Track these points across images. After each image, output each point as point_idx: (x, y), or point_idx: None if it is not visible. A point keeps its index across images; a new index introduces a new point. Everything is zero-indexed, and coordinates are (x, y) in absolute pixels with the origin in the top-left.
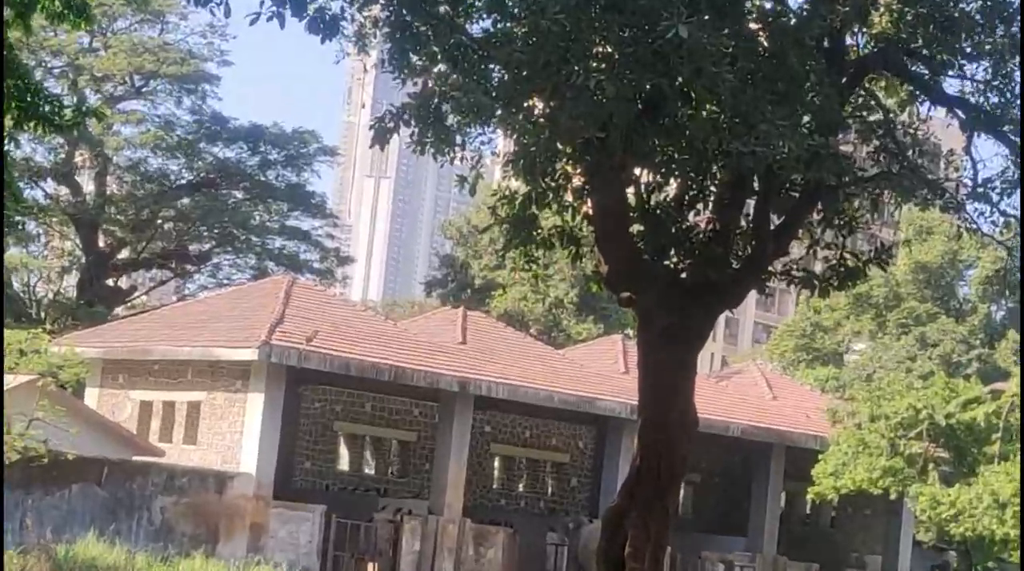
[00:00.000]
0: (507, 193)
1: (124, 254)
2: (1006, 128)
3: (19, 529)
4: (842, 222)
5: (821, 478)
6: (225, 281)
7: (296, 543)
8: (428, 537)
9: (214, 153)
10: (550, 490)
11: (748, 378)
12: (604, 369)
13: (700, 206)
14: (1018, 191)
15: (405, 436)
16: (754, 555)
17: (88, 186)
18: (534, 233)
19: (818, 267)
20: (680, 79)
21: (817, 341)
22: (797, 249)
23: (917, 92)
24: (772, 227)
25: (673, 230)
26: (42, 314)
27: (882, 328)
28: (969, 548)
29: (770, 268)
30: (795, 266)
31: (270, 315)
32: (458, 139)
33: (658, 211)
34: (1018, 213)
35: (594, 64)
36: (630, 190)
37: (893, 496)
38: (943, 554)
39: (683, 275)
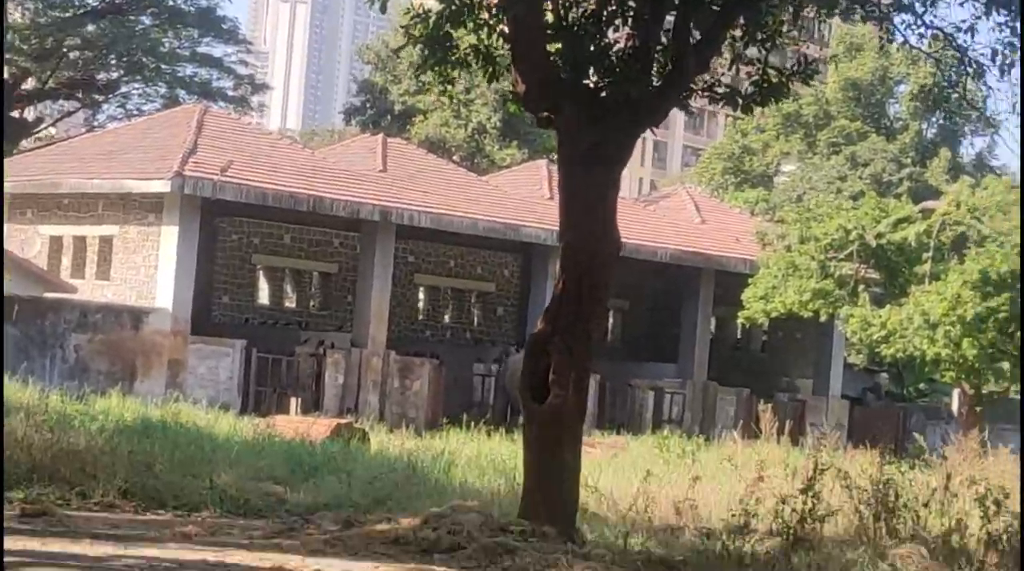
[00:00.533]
0: (421, 11)
1: (29, 85)
2: None
3: None
4: (765, 36)
5: (751, 302)
6: (135, 111)
7: (216, 379)
8: (352, 370)
9: None
10: (476, 320)
11: (677, 202)
12: (529, 195)
13: (619, 22)
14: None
15: (326, 268)
16: (684, 381)
17: None
18: (449, 53)
19: (744, 85)
20: None
21: (746, 163)
22: (720, 66)
23: None
24: (693, 42)
25: (592, 47)
26: None
27: (812, 148)
28: (900, 369)
29: (692, 85)
30: (718, 83)
31: (182, 145)
32: None
33: (576, 27)
34: (944, 26)
35: None
36: (547, 5)
37: (823, 319)
38: (875, 376)
39: (603, 93)
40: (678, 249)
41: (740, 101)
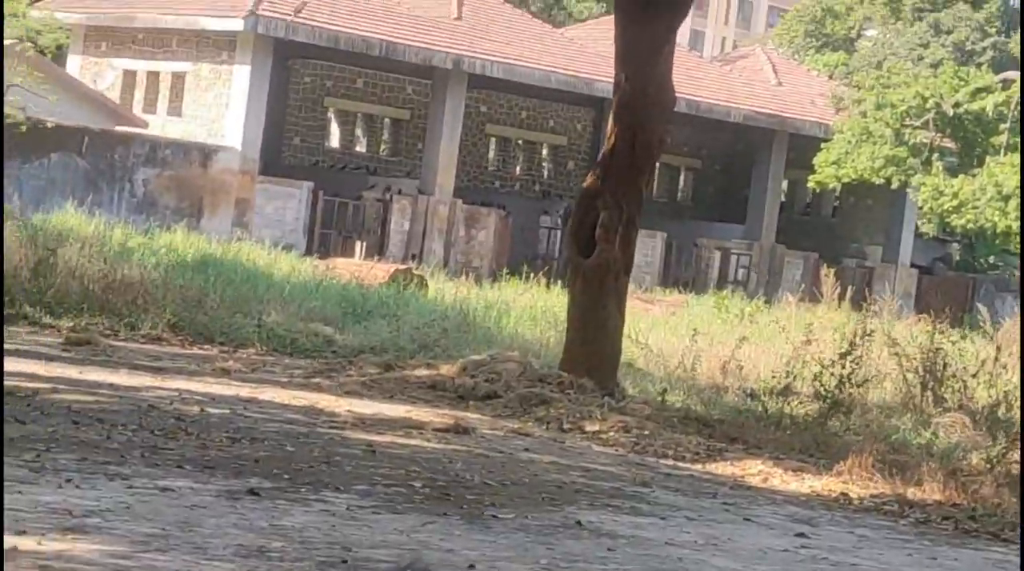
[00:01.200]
0: None
1: None
2: None
3: None
4: None
5: (823, 166)
6: None
7: (282, 219)
8: (418, 217)
9: None
10: (546, 173)
11: (754, 62)
12: (604, 50)
13: None
14: None
15: (398, 114)
16: (751, 243)
17: None
18: None
19: None
20: None
21: (828, 26)
22: None
23: None
24: None
25: None
26: None
27: (896, 14)
28: (973, 240)
29: None
30: None
31: None
32: None
33: None
34: None
35: None
36: None
37: (895, 186)
38: (946, 246)
39: None
40: (752, 110)
41: None
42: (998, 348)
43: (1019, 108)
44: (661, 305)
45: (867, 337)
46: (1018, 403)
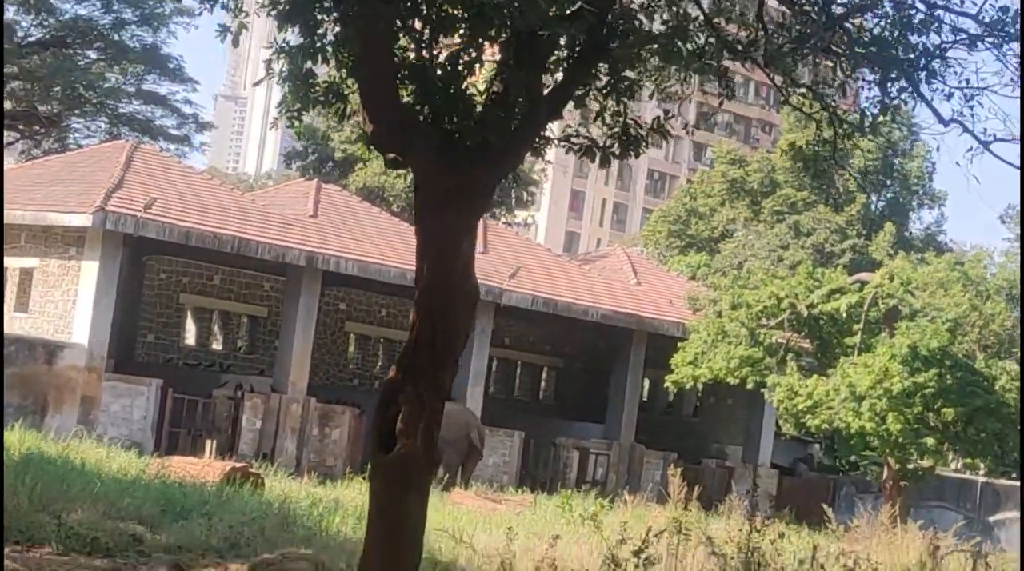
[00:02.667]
0: (283, 45)
1: None
2: None
3: None
4: (623, 88)
5: (680, 366)
6: (74, 146)
7: (129, 418)
8: (270, 415)
9: (66, 10)
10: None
11: (614, 262)
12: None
13: (477, 66)
14: None
15: (255, 311)
16: (611, 443)
17: None
18: (310, 91)
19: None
20: None
21: (692, 227)
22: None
23: None
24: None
25: (451, 91)
26: None
27: (757, 215)
28: (833, 441)
29: (548, 134)
30: (576, 133)
31: (108, 180)
32: None
33: (434, 71)
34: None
35: None
36: (405, 44)
37: (750, 386)
38: (807, 447)
39: (457, 136)
40: (609, 308)
41: (597, 152)
42: (815, 547)
43: (880, 306)
44: (509, 504)
45: (658, 534)
46: None
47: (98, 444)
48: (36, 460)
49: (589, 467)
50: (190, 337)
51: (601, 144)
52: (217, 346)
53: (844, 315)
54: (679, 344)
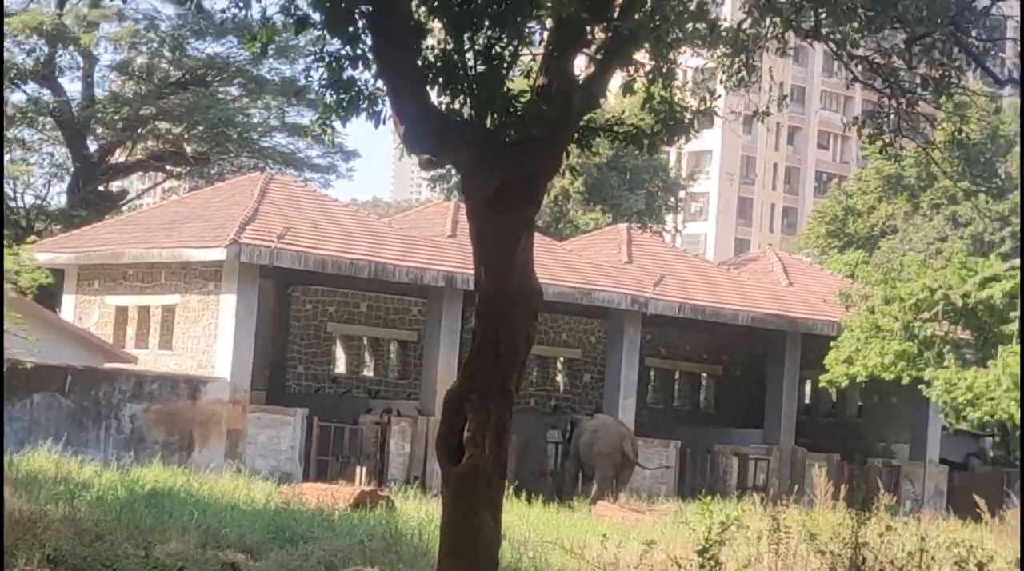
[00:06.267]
0: (322, 52)
1: (117, 157)
2: None
3: None
4: (664, 73)
5: (833, 365)
6: (220, 182)
7: (277, 449)
8: (418, 438)
9: (202, 49)
10: (562, 387)
11: (765, 264)
12: (607, 260)
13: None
14: None
15: (404, 336)
16: (770, 447)
17: (73, 88)
18: (352, 99)
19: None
20: None
21: (850, 225)
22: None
23: None
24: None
25: (491, 86)
26: (31, 223)
27: (916, 210)
28: (1007, 433)
29: (591, 123)
30: (619, 122)
31: (243, 212)
32: None
33: (466, 67)
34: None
35: None
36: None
37: (906, 381)
38: (980, 441)
39: (496, 133)
40: (759, 311)
41: (644, 139)
42: (922, 538)
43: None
44: (655, 513)
45: (722, 532)
46: None
47: (239, 476)
48: (155, 494)
49: (749, 473)
50: (340, 365)
51: (648, 130)
52: (368, 373)
53: (999, 303)
54: (831, 343)
